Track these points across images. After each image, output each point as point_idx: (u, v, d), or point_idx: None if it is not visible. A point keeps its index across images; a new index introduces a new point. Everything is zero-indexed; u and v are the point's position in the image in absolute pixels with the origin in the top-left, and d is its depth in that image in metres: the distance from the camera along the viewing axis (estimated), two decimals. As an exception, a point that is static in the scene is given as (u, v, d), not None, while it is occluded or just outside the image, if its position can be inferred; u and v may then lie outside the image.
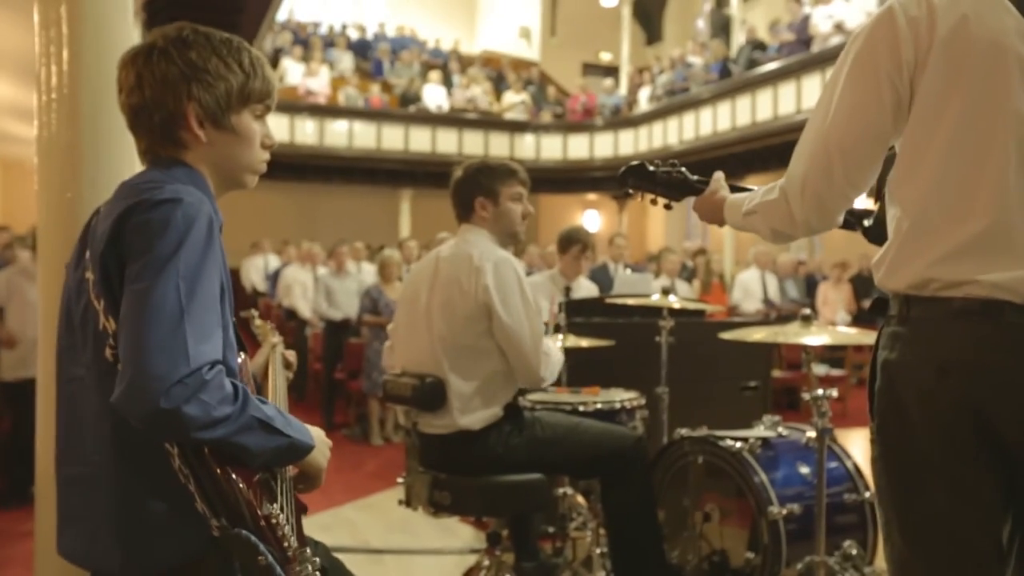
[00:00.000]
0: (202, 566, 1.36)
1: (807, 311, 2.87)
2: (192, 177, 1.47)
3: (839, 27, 10.91)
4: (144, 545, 1.36)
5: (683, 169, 1.99)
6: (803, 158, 1.61)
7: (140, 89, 1.47)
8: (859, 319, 8.93)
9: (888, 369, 1.54)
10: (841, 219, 1.69)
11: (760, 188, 1.73)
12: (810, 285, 9.98)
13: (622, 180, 2.02)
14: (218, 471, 1.30)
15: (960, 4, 1.46)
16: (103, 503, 1.38)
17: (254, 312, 2.27)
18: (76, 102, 1.95)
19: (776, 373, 7.48)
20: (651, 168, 1.99)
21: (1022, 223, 1.43)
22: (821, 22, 11.31)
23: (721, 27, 15.53)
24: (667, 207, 2.04)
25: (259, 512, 1.31)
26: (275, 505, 1.36)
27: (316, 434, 1.50)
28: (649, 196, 2.02)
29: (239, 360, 1.50)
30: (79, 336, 1.44)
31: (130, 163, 1.95)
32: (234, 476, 1.31)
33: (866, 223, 1.90)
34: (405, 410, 2.95)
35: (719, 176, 1.92)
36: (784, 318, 7.34)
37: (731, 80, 12.79)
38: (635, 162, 2.02)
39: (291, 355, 2.01)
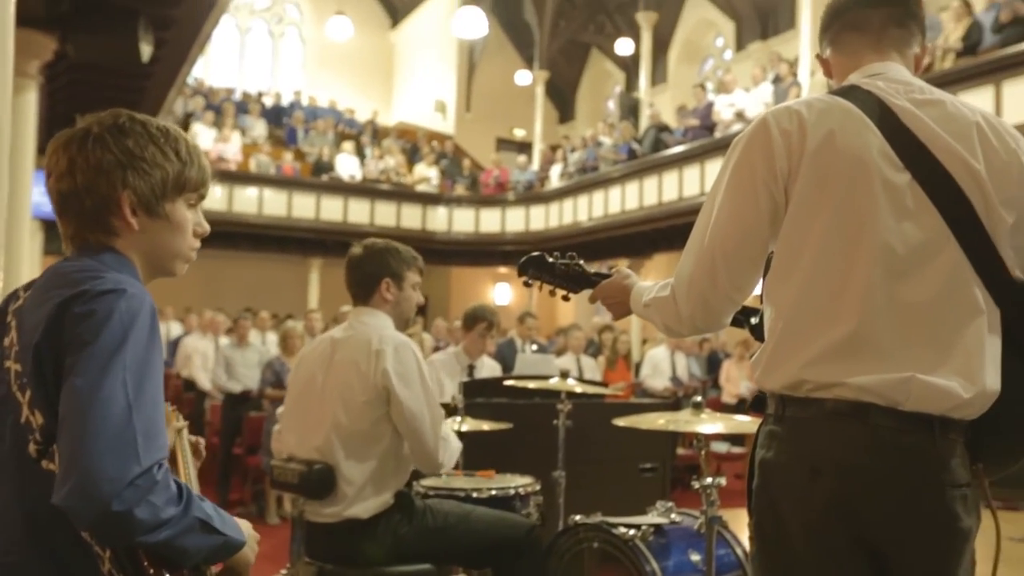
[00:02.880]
0: None
1: (699, 399, 2.91)
2: (121, 264, 1.42)
3: (740, 115, 11.41)
4: None
5: (581, 262, 2.01)
6: (690, 260, 1.65)
7: (72, 175, 1.41)
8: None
9: (764, 468, 1.57)
10: (728, 320, 1.73)
11: (659, 282, 1.76)
12: (713, 362, 10.19)
13: (522, 270, 2.03)
14: (152, 573, 1.26)
15: (827, 120, 1.54)
16: None
17: None
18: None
19: (680, 451, 7.54)
20: (550, 260, 2.01)
21: (886, 328, 1.49)
22: (723, 109, 11.81)
23: (630, 109, 16.07)
24: (565, 298, 2.06)
25: None
26: None
27: (245, 528, 1.45)
28: (548, 287, 2.03)
29: None
30: None
31: (8, 231, 1.88)
32: None
33: (753, 320, 1.95)
34: (293, 498, 2.85)
35: (625, 268, 1.95)
36: (689, 397, 7.45)
37: (639, 160, 13.19)
38: (535, 253, 2.04)
39: (200, 442, 1.93)
